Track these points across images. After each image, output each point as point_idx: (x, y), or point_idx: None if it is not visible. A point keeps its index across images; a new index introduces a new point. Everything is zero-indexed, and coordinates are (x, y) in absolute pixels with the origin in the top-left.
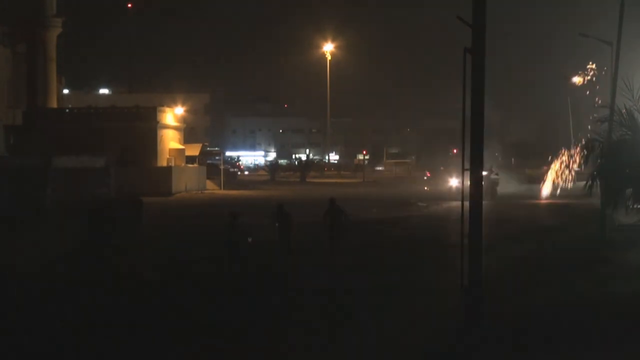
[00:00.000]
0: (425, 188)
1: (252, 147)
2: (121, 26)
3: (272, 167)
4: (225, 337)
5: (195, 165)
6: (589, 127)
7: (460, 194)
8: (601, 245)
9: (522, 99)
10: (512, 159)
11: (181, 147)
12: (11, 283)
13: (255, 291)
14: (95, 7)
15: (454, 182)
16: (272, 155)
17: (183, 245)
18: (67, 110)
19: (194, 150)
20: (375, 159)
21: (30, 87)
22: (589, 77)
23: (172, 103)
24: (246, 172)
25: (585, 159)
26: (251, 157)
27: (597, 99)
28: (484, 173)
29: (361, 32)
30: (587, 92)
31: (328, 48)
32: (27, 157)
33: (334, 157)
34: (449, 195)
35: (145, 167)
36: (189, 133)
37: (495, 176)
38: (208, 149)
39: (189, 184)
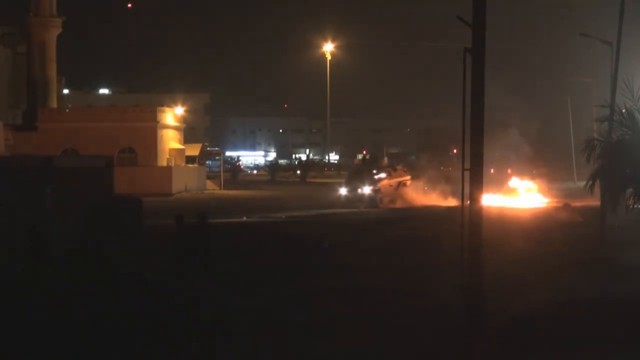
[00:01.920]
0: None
1: (252, 147)
2: (121, 26)
3: (272, 167)
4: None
5: (195, 165)
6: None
7: (351, 203)
8: (601, 245)
9: (521, 98)
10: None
11: (181, 147)
12: (11, 282)
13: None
14: (95, 7)
15: (343, 190)
16: (272, 155)
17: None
18: (67, 110)
19: (194, 150)
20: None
21: (30, 87)
22: None
23: (172, 103)
24: (254, 172)
25: (587, 158)
26: (251, 157)
27: None
28: (382, 175)
29: (361, 32)
30: None
31: (328, 48)
32: (27, 157)
33: (334, 157)
34: (337, 203)
35: (145, 167)
36: (189, 133)
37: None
38: (208, 149)
39: (189, 184)
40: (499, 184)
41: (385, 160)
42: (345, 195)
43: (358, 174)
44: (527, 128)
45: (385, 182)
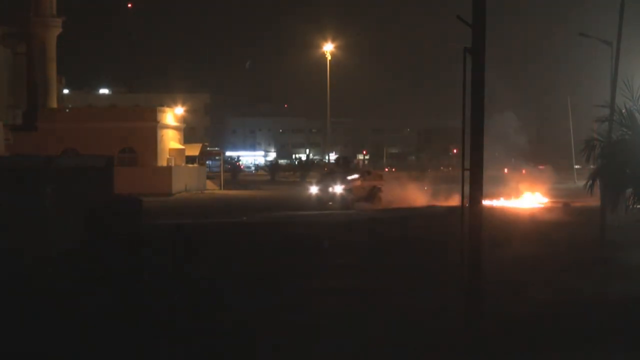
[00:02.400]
0: (425, 188)
1: (252, 147)
2: (121, 26)
3: (272, 167)
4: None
5: (195, 165)
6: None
7: (322, 203)
8: (601, 245)
9: (521, 97)
10: (512, 159)
11: (181, 147)
12: (8, 282)
13: None
14: (95, 7)
15: (314, 189)
16: (272, 155)
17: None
18: (67, 110)
19: (194, 150)
20: (375, 159)
21: (30, 87)
22: None
23: (172, 103)
24: (258, 171)
25: (587, 158)
26: (251, 157)
27: None
28: (354, 177)
29: (361, 32)
30: None
31: (328, 48)
32: (27, 157)
33: (333, 157)
34: (307, 203)
35: (145, 167)
36: (189, 133)
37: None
38: (208, 149)
39: (189, 184)
40: (514, 184)
41: (360, 163)
42: (316, 194)
43: (330, 174)
44: (527, 127)
45: (358, 183)
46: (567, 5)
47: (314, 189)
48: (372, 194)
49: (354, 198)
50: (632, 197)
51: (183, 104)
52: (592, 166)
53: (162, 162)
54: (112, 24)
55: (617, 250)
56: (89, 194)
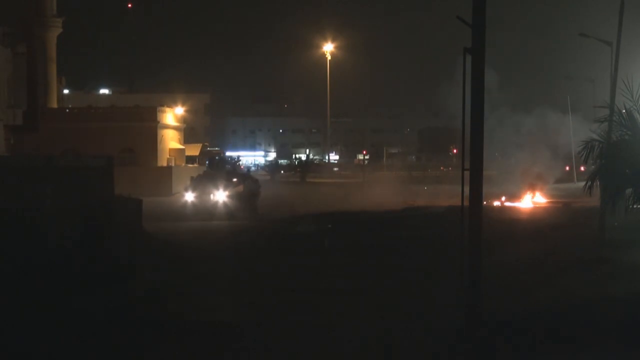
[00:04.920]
0: (425, 188)
1: (252, 147)
2: (121, 26)
3: (271, 167)
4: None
5: (196, 165)
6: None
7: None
8: (601, 245)
9: (521, 97)
10: (513, 159)
11: (181, 147)
12: (8, 282)
13: None
14: (95, 6)
15: (189, 196)
16: (272, 155)
17: (181, 245)
18: (67, 110)
19: (194, 150)
20: (375, 159)
21: (30, 87)
22: None
23: (172, 103)
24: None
25: (585, 159)
26: (251, 157)
27: None
28: (235, 181)
29: (361, 32)
30: None
31: (328, 48)
32: (27, 157)
33: (334, 157)
34: (179, 213)
35: (145, 167)
36: (189, 133)
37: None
38: (208, 149)
39: None
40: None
41: (242, 165)
42: (192, 202)
43: (208, 177)
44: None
45: (241, 188)
46: (567, 6)
47: (189, 196)
48: (250, 201)
49: (238, 206)
50: (631, 197)
51: (183, 104)
52: (592, 167)
53: (162, 162)
54: (112, 24)
55: (617, 250)
56: (89, 194)
